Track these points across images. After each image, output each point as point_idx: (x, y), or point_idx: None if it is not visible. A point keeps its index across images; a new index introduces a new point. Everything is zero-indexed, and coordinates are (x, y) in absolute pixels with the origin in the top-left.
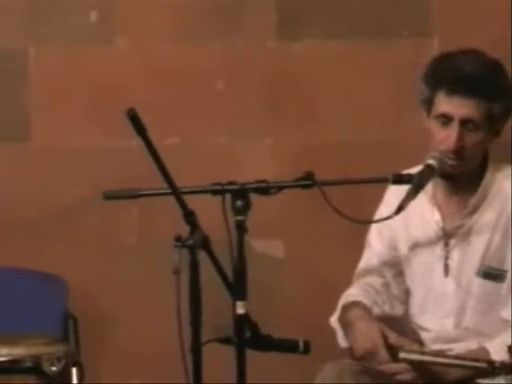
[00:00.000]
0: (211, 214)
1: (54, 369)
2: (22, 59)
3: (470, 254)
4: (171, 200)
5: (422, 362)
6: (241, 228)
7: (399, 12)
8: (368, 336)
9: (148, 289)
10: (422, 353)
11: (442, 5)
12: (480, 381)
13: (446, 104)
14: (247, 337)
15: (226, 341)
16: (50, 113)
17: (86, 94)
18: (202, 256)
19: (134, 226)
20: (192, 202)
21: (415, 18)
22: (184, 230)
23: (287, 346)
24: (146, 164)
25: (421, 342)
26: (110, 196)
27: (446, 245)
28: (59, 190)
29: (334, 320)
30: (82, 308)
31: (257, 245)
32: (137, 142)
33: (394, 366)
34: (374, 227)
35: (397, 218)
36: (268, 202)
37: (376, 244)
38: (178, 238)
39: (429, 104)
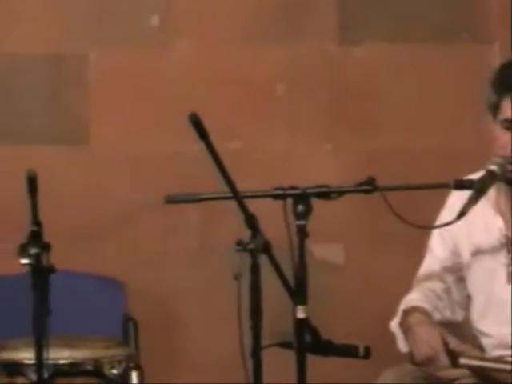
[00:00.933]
0: (272, 218)
1: (114, 372)
2: (82, 63)
3: None
4: (232, 204)
5: (482, 368)
6: (302, 232)
7: (460, 17)
8: (428, 341)
9: (208, 293)
10: (483, 359)
11: (502, 10)
12: None
13: (510, 109)
14: (307, 341)
15: (286, 345)
16: (109, 116)
17: (145, 97)
18: (263, 260)
19: (195, 230)
20: (253, 206)
21: (476, 23)
22: (245, 234)
23: (347, 351)
24: (207, 168)
25: (481, 348)
26: (171, 200)
27: (509, 252)
28: (119, 194)
29: (394, 325)
30: (142, 311)
31: (317, 250)
32: (197, 146)
33: (455, 372)
34: (435, 232)
35: (459, 223)
36: (328, 207)
37: (438, 249)
38: (240, 243)
39: (495, 109)
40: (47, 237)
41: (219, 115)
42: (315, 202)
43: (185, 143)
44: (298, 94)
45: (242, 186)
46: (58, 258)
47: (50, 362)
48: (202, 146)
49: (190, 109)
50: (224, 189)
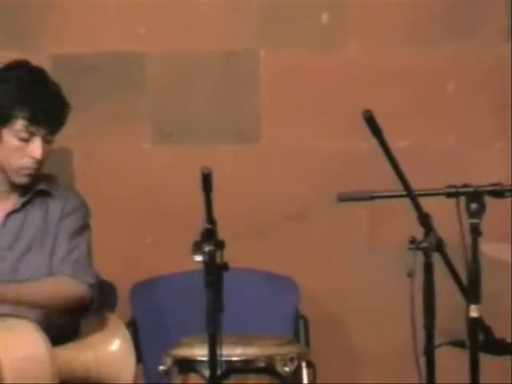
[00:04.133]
0: (443, 216)
1: (286, 369)
2: (252, 60)
3: None
4: (402, 202)
5: None
6: (475, 231)
7: None
8: None
9: (379, 290)
10: None
11: None
12: None
13: None
14: (481, 340)
15: (459, 344)
16: (280, 114)
17: (315, 95)
18: (436, 258)
19: (364, 227)
20: (423, 204)
21: None
22: (414, 232)
23: None
24: (375, 166)
25: None
26: (344, 198)
27: None
28: (290, 191)
29: None
30: (312, 309)
31: (485, 248)
32: (366, 143)
33: None
34: None
35: None
36: (497, 205)
37: None
38: (413, 241)
39: None
40: (220, 234)
41: (387, 114)
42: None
43: (353, 141)
44: (468, 93)
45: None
46: (230, 256)
47: (223, 358)
48: (370, 143)
49: (358, 107)
50: (393, 186)
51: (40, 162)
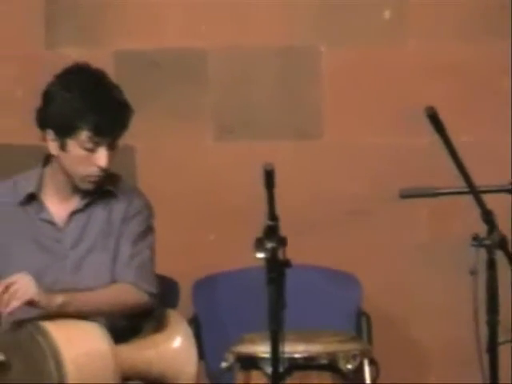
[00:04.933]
0: (504, 213)
1: (349, 366)
2: (313, 57)
3: None
4: (461, 198)
5: None
6: None
7: None
8: None
9: (440, 287)
10: None
11: None
12: None
13: None
14: None
15: None
16: (341, 110)
17: (376, 91)
18: (499, 256)
19: (424, 224)
20: (486, 200)
21: None
22: (474, 228)
23: None
24: (436, 162)
25: None
26: (406, 194)
27: None
28: (351, 187)
29: None
30: (374, 305)
31: None
32: (427, 139)
33: None
34: None
35: None
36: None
37: None
38: (476, 238)
39: None
40: (283, 231)
41: (449, 110)
42: None
43: (414, 137)
44: None
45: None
46: (292, 252)
47: (286, 355)
48: (431, 139)
49: (419, 103)
50: (453, 182)
51: (106, 170)
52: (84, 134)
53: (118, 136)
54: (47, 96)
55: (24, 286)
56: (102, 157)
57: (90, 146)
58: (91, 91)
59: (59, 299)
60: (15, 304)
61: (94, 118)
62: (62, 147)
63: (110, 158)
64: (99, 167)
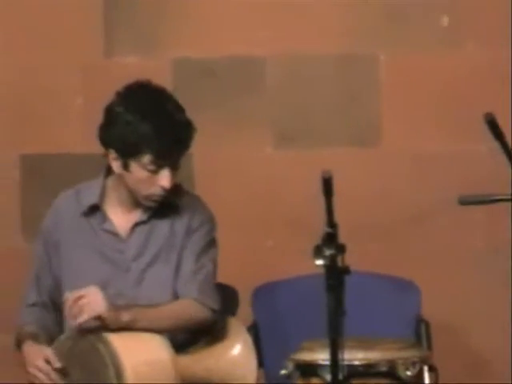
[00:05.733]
0: None
1: (408, 373)
2: (372, 64)
3: None
4: None
5: None
6: None
7: None
8: None
9: (499, 294)
10: None
11: None
12: None
13: None
14: None
15: None
16: (399, 117)
17: (435, 98)
18: None
19: (483, 231)
20: None
21: None
22: None
23: None
24: (494, 168)
25: None
26: (465, 201)
27: None
28: (409, 194)
29: None
30: (432, 311)
31: None
32: (485, 145)
33: None
34: None
35: None
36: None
37: None
38: None
39: None
40: (341, 238)
41: (508, 116)
42: None
43: (473, 143)
44: None
45: None
46: (351, 259)
47: (345, 362)
48: (491, 145)
49: (478, 109)
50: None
51: (169, 190)
52: (147, 158)
53: (180, 157)
54: (109, 115)
55: (94, 302)
56: (165, 178)
57: (152, 168)
58: (154, 114)
59: (126, 317)
60: (83, 318)
61: (157, 142)
62: (125, 167)
63: (173, 178)
64: (162, 187)
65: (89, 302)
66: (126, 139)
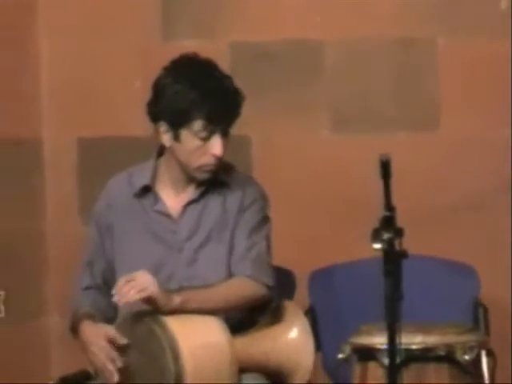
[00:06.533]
0: None
1: (466, 358)
2: (431, 48)
3: None
4: None
5: None
6: None
7: None
8: None
9: None
10: None
11: None
12: None
13: None
14: None
15: None
16: (458, 102)
17: (494, 82)
18: None
19: None
20: None
21: None
22: None
23: None
24: None
25: None
26: None
27: None
28: (466, 179)
29: None
30: (490, 296)
31: None
32: None
33: None
34: None
35: None
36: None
37: None
38: None
39: None
40: (399, 222)
41: None
42: None
43: None
44: None
45: None
46: (409, 243)
47: (403, 346)
48: None
49: None
50: None
51: (220, 158)
52: (198, 124)
53: (231, 123)
54: (158, 89)
55: (145, 283)
56: (216, 145)
57: (204, 134)
58: (202, 81)
59: (177, 300)
60: (133, 297)
61: (207, 106)
62: (176, 138)
63: (224, 146)
64: (214, 155)
65: (140, 283)
66: (176, 107)
